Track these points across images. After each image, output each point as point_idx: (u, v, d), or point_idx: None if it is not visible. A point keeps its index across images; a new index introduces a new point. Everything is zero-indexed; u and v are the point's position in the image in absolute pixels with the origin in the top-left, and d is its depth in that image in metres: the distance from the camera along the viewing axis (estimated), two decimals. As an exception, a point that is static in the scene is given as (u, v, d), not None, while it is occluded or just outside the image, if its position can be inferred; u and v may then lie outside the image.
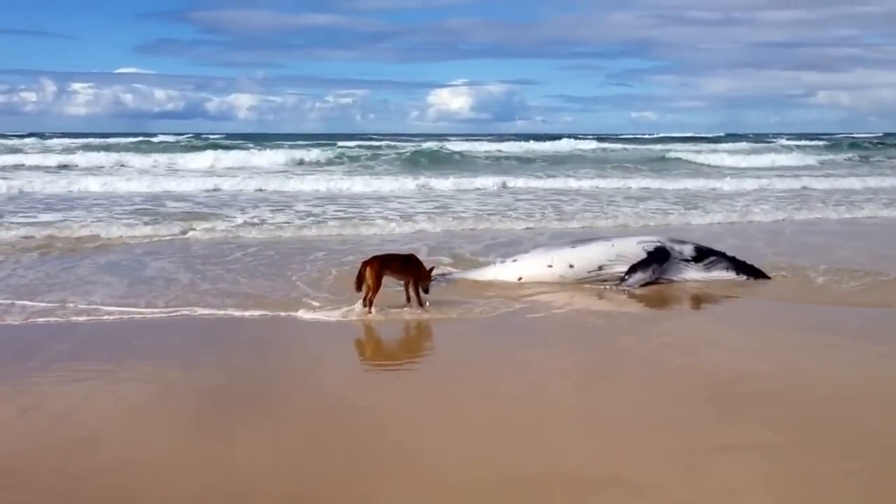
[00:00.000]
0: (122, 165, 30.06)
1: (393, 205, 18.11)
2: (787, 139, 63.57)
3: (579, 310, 8.50)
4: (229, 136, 67.00)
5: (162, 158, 31.22)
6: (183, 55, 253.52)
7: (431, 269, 8.27)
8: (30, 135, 60.89)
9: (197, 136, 58.92)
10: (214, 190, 20.92)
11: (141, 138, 50.84)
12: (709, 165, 34.91)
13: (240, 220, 14.63)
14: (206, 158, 31.81)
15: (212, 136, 59.27)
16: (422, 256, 8.88)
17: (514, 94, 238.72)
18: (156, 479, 4.27)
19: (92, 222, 13.76)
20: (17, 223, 13.69)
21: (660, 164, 34.39)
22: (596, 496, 4.11)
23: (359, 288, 7.73)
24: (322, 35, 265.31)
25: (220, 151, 34.49)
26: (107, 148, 38.32)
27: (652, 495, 4.10)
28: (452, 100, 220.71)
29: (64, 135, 56.39)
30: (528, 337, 7.28)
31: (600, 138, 61.58)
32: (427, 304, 7.96)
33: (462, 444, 4.72)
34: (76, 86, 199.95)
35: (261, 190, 21.12)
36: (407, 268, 7.93)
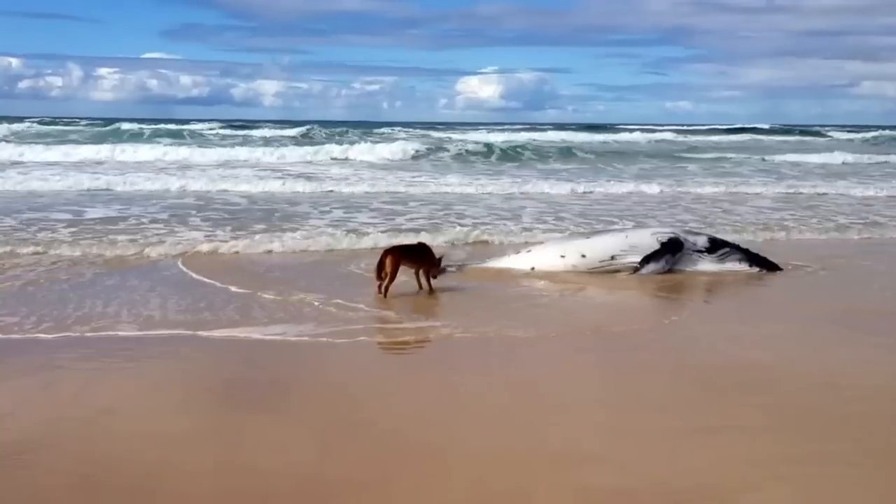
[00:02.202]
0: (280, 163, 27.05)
1: (627, 211, 15.62)
2: (844, 130, 61.14)
3: (585, 296, 8.75)
4: (260, 122, 67.87)
5: (265, 155, 28.98)
6: (209, 40, 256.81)
7: (440, 258, 8.68)
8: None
9: (229, 123, 59.61)
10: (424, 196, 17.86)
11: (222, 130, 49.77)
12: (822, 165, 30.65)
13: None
14: (320, 152, 29.94)
15: (253, 122, 58.83)
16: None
17: (546, 82, 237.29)
18: (172, 451, 4.49)
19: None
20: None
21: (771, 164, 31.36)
22: (578, 472, 4.29)
23: (379, 275, 8.17)
24: (350, 20, 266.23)
25: (327, 145, 31.92)
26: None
27: (632, 472, 4.29)
28: (482, 88, 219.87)
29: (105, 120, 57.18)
30: (528, 322, 7.42)
31: (672, 130, 60.62)
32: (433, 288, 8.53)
33: (465, 429, 4.93)
34: (102, 70, 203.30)
35: (443, 194, 18.36)
36: (422, 258, 8.45)
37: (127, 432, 4.74)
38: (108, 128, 44.86)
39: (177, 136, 39.23)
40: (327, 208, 15.14)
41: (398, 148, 31.55)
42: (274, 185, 19.11)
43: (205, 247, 10.47)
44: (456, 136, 45.54)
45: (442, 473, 4.25)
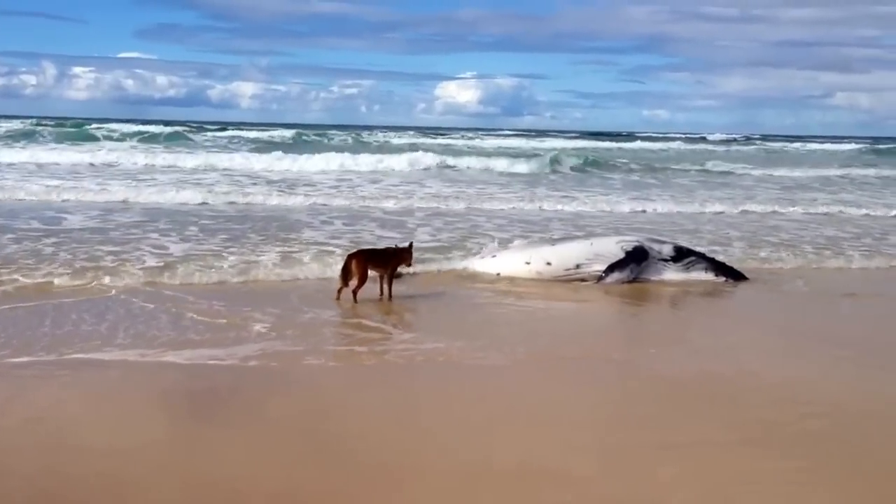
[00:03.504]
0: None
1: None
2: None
3: (547, 304, 8.65)
4: (242, 125, 67.56)
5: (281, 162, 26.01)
6: (186, 41, 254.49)
7: (410, 248, 8.52)
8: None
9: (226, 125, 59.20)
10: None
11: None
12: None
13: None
14: (364, 160, 26.97)
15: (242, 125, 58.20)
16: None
17: (524, 88, 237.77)
18: (138, 466, 4.34)
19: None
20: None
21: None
22: (540, 489, 4.18)
23: (344, 280, 8.04)
24: (329, 23, 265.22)
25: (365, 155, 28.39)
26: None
27: (595, 489, 4.20)
28: (460, 93, 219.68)
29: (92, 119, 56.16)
30: (487, 337, 7.27)
31: (686, 138, 61.35)
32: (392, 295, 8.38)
33: (417, 438, 4.84)
34: (77, 69, 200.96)
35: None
36: (387, 262, 8.30)
37: (78, 446, 4.57)
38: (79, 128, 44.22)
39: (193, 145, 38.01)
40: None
41: (524, 162, 28.58)
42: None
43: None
44: (467, 142, 45.86)
45: (402, 490, 4.13)
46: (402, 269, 8.58)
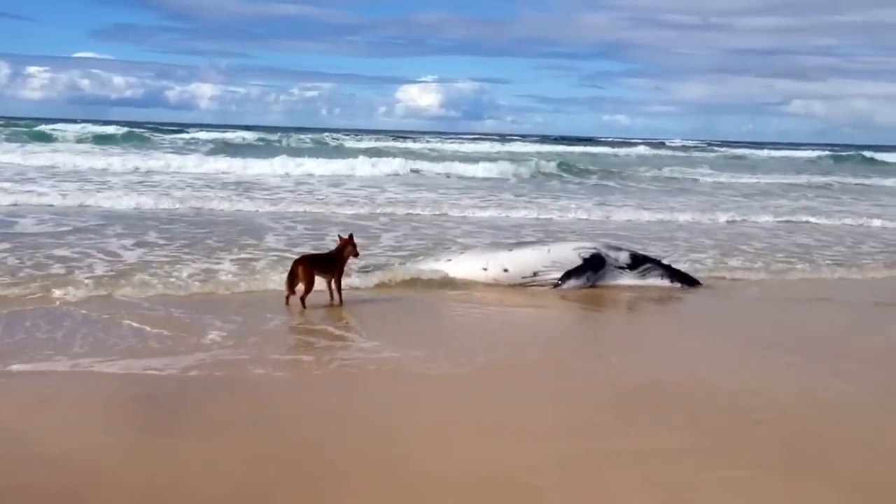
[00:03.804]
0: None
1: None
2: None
3: (504, 311, 8.62)
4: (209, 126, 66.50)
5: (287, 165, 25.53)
6: (144, 42, 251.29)
7: (351, 239, 8.43)
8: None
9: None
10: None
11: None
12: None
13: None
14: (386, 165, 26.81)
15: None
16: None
17: (485, 92, 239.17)
18: (68, 474, 4.23)
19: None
20: None
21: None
22: (479, 498, 4.12)
23: (291, 286, 7.96)
24: (289, 25, 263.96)
25: (373, 159, 28.07)
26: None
27: (551, 498, 4.16)
28: (421, 96, 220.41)
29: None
30: (443, 338, 7.22)
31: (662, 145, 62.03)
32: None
33: (359, 447, 4.73)
34: (31, 69, 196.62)
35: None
36: (333, 267, 8.26)
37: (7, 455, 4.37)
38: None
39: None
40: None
41: (496, 168, 28.14)
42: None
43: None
44: (433, 146, 45.49)
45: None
46: (353, 261, 8.58)
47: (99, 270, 9.12)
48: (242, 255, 10.40)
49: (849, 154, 54.29)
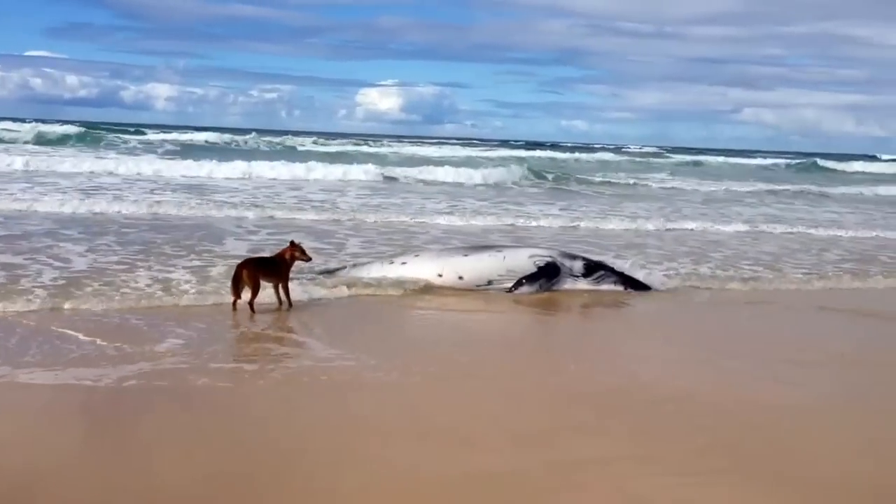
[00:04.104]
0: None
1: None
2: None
3: (458, 316, 8.66)
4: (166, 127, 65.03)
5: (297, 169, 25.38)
6: (98, 41, 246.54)
7: (293, 244, 8.27)
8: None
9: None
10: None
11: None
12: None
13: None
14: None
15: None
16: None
17: (445, 96, 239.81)
18: (51, 484, 4.17)
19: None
20: None
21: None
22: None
23: (236, 291, 7.83)
24: (248, 27, 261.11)
25: (371, 166, 27.52)
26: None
27: None
28: (381, 100, 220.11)
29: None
30: (386, 351, 7.08)
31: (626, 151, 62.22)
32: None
33: (294, 457, 4.68)
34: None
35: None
36: (278, 271, 8.11)
37: None
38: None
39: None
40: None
41: (466, 173, 27.36)
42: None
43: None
44: (396, 150, 44.88)
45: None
46: (308, 265, 8.51)
47: (47, 278, 8.79)
48: (198, 262, 10.11)
49: (802, 162, 55.22)
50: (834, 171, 49.41)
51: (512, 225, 16.09)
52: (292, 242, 8.28)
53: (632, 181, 30.88)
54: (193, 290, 8.49)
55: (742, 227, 17.37)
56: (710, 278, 10.93)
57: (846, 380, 6.91)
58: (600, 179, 30.81)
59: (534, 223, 16.43)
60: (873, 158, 71.51)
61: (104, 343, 6.62)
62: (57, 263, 9.57)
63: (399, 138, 76.55)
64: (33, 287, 8.25)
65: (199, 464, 4.48)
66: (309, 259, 8.36)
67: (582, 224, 16.75)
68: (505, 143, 75.58)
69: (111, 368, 6.02)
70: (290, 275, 8.24)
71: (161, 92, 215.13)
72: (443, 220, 16.04)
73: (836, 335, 8.63)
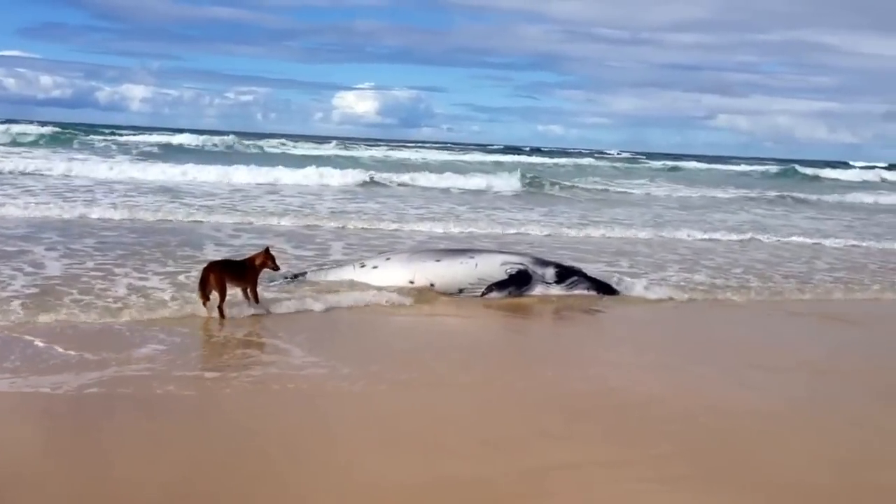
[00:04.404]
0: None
1: None
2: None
3: (430, 321, 8.64)
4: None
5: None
6: (73, 41, 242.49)
7: (268, 252, 8.25)
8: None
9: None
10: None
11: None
12: None
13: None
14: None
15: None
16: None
17: (421, 100, 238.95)
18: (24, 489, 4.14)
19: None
20: None
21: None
22: None
23: (204, 294, 7.74)
24: (224, 29, 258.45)
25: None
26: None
27: None
28: (358, 103, 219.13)
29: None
30: (354, 357, 7.01)
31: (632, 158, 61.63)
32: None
33: (257, 464, 4.63)
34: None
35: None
36: (244, 275, 8.05)
37: None
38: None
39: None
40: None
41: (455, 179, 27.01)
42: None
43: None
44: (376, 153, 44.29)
45: None
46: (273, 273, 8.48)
47: (20, 283, 8.57)
48: (178, 268, 9.87)
49: (783, 168, 55.32)
50: (816, 177, 49.50)
51: (502, 234, 15.65)
52: (267, 249, 8.24)
53: (625, 189, 30.05)
54: (173, 298, 8.25)
55: (733, 236, 16.93)
56: (699, 287, 10.69)
57: (813, 386, 6.94)
58: (594, 185, 30.14)
59: (524, 230, 16.01)
60: (846, 165, 72.16)
61: (69, 351, 6.45)
62: (32, 269, 9.28)
63: (376, 142, 75.84)
64: (8, 296, 7.98)
65: (162, 472, 4.42)
66: (277, 269, 8.29)
67: (585, 232, 16.28)
68: (483, 147, 75.24)
69: (73, 376, 5.90)
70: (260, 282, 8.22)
71: (136, 93, 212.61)
72: (437, 228, 15.54)
73: (809, 342, 8.65)
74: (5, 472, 4.36)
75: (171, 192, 19.60)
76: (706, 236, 16.79)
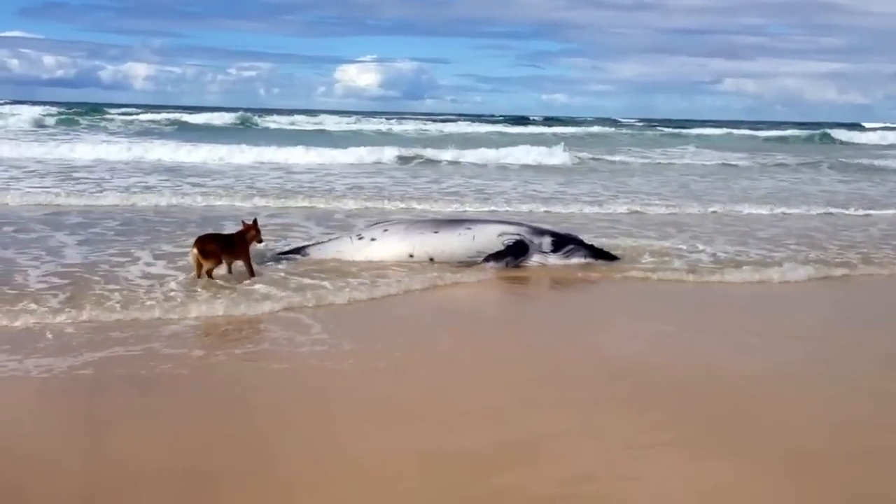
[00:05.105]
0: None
1: None
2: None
3: (426, 295, 8.53)
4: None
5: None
6: (75, 20, 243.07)
7: (255, 224, 8.51)
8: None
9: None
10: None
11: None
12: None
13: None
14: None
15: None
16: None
17: (424, 72, 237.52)
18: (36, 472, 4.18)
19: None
20: None
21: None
22: (352, 479, 4.14)
23: (198, 268, 8.07)
24: (225, 4, 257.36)
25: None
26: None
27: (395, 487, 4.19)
28: (360, 76, 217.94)
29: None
30: (364, 327, 7.13)
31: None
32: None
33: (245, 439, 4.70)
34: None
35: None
36: (232, 249, 8.28)
37: None
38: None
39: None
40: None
41: (546, 152, 25.65)
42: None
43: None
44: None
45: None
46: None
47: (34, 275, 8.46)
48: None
49: (813, 133, 53.47)
50: (849, 143, 47.88)
51: (573, 212, 14.47)
52: (255, 221, 8.57)
53: (663, 159, 28.86)
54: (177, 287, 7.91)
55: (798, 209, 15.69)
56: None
57: (808, 350, 6.90)
58: (637, 158, 28.38)
59: (610, 209, 14.89)
60: (860, 127, 70.89)
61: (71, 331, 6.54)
62: (51, 257, 8.98)
63: (387, 114, 75.25)
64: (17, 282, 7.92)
65: (157, 450, 4.48)
66: (260, 241, 8.65)
67: (671, 209, 15.16)
68: (489, 118, 74.40)
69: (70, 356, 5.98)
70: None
71: (139, 71, 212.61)
72: (523, 207, 14.67)
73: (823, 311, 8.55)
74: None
75: (180, 171, 19.11)
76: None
